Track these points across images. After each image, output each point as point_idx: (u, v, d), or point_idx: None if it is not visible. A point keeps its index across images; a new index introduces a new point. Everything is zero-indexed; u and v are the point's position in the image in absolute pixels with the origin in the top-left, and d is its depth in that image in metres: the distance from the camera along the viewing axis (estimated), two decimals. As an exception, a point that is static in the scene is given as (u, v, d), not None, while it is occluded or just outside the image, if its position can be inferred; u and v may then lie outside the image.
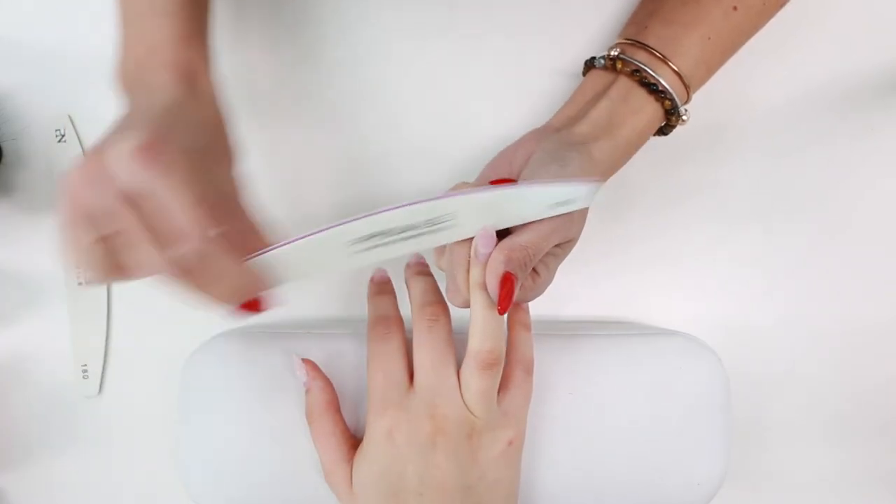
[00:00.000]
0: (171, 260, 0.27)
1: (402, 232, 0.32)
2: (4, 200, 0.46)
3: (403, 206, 0.31)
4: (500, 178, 0.37)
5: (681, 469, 0.40)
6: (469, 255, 0.34)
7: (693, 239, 0.46)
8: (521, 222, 0.33)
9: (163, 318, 0.46)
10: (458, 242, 0.34)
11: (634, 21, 0.40)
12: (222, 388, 0.40)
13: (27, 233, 0.46)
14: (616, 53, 0.38)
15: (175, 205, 0.27)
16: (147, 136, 0.27)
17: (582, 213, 0.36)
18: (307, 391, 0.38)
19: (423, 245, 0.33)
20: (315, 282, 0.46)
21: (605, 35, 0.44)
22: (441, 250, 0.36)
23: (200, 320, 0.44)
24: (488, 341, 0.34)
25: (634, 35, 0.38)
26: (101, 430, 0.46)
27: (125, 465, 0.46)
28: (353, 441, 0.37)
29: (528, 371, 0.37)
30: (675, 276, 0.46)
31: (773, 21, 0.40)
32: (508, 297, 0.32)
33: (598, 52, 0.40)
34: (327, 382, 0.38)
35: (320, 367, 0.39)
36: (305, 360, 0.39)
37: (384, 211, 0.31)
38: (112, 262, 0.28)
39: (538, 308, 0.43)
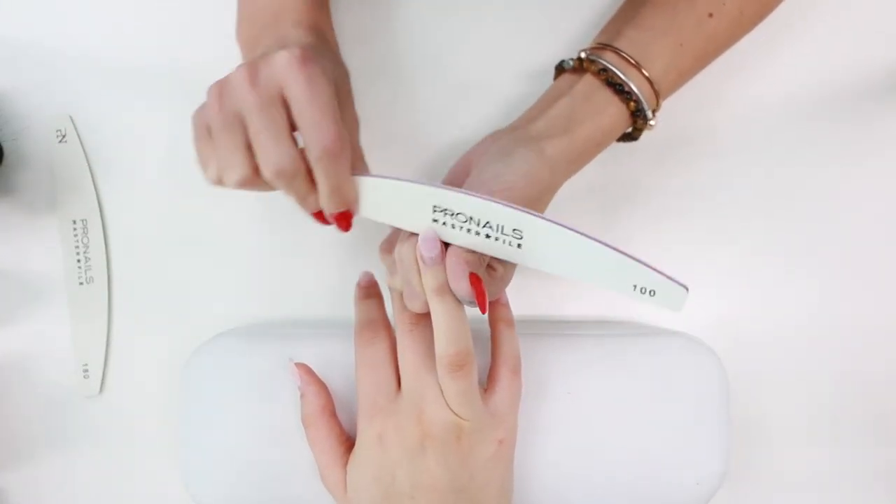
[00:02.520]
0: (294, 157, 0.30)
1: (483, 226, 0.32)
2: (5, 200, 0.46)
3: (501, 203, 0.31)
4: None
5: (680, 468, 0.40)
6: (413, 261, 0.33)
7: (692, 239, 0.46)
8: (582, 280, 0.32)
9: (163, 318, 0.46)
10: (406, 247, 0.33)
11: (609, 28, 0.40)
12: (222, 388, 0.40)
13: (27, 233, 0.46)
14: (585, 55, 0.37)
15: (319, 102, 0.29)
16: (301, 51, 0.30)
17: (539, 208, 0.35)
18: (302, 396, 0.38)
19: (490, 249, 0.32)
20: (315, 282, 0.46)
21: (584, 41, 0.43)
22: (393, 270, 0.36)
23: (201, 320, 0.45)
24: (453, 344, 0.33)
25: (607, 40, 0.38)
26: (101, 430, 0.46)
27: (125, 464, 0.46)
28: (349, 444, 0.37)
29: (515, 369, 0.37)
30: (675, 275, 0.46)
31: (773, 20, 0.40)
32: (483, 295, 0.32)
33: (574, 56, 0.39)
34: (321, 387, 0.38)
35: (319, 367, 0.39)
36: (299, 365, 0.39)
37: (482, 198, 0.31)
38: (249, 161, 0.30)
39: (537, 307, 0.44)
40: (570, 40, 0.44)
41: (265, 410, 0.39)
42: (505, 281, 0.36)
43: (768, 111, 0.45)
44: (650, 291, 0.32)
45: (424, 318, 0.35)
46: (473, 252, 0.32)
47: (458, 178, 0.38)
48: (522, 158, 0.35)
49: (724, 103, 0.45)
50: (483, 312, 0.32)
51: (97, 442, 0.46)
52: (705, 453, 0.40)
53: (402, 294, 0.36)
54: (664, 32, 0.37)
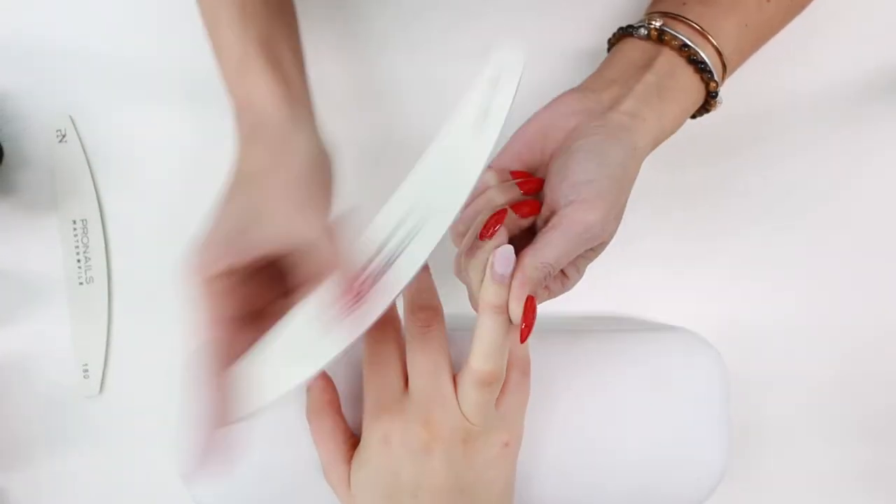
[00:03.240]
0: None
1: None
2: (4, 200, 0.45)
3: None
4: (526, 167, 0.35)
5: (681, 464, 0.40)
6: (483, 266, 0.32)
7: (695, 236, 0.46)
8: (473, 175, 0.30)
9: (164, 318, 0.46)
10: (472, 252, 0.32)
11: None
12: (223, 388, 0.40)
13: (27, 233, 0.46)
14: (660, 24, 0.35)
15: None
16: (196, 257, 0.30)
17: (616, 214, 0.33)
18: (308, 390, 0.38)
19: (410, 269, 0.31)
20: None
21: (616, 19, 0.43)
22: (459, 261, 0.34)
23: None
24: (491, 362, 0.33)
25: (672, 10, 0.36)
26: (101, 429, 0.46)
27: (126, 464, 0.46)
28: (353, 440, 0.37)
29: (525, 372, 0.37)
30: (677, 272, 0.46)
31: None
32: (531, 324, 0.31)
33: (605, 35, 0.38)
34: (328, 381, 0.38)
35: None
36: None
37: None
38: None
39: (538, 304, 0.43)
40: (596, 23, 0.43)
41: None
42: (572, 286, 0.35)
43: (771, 110, 0.45)
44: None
45: (436, 320, 0.35)
46: (547, 266, 0.31)
47: (532, 142, 0.35)
48: (615, 161, 0.33)
49: (726, 102, 0.45)
50: (522, 341, 0.31)
51: (97, 442, 0.46)
52: (706, 450, 0.40)
53: (415, 290, 0.36)
54: (730, 11, 0.36)
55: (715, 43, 0.35)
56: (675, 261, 0.46)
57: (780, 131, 0.45)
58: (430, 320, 0.35)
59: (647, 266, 0.46)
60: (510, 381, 0.36)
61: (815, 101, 0.45)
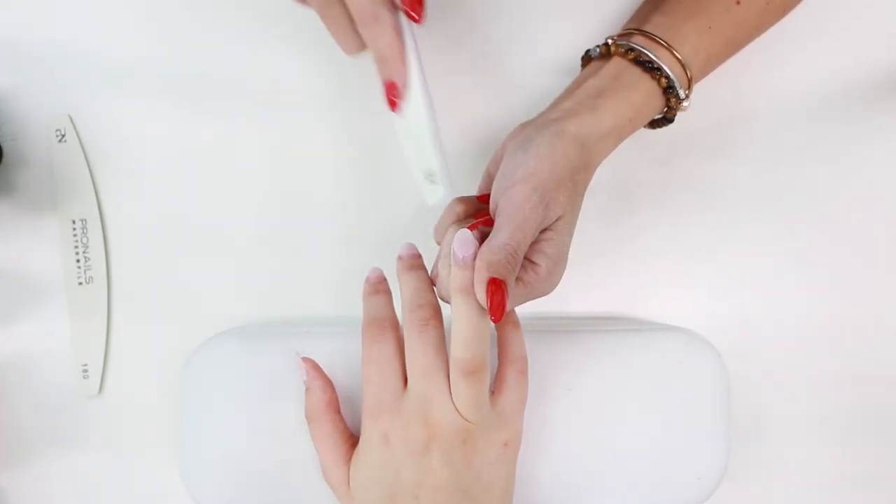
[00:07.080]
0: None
1: None
2: (4, 200, 0.45)
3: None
4: (488, 187, 0.37)
5: (681, 464, 0.40)
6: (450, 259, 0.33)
7: (694, 235, 0.46)
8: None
9: (163, 318, 0.46)
10: (448, 237, 0.34)
11: (636, 16, 0.41)
12: (222, 388, 0.40)
13: (27, 233, 0.46)
14: (612, 41, 0.38)
15: None
16: None
17: (556, 186, 0.34)
18: (307, 390, 0.38)
19: None
20: (315, 281, 0.46)
21: (609, 32, 0.43)
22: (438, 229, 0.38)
23: (201, 320, 0.45)
24: (469, 348, 0.33)
25: (634, 25, 0.38)
26: (101, 430, 0.46)
27: (125, 464, 0.46)
28: (353, 441, 0.37)
29: (522, 370, 0.37)
30: (676, 272, 0.46)
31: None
32: (500, 305, 0.31)
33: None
34: (327, 382, 0.38)
35: (321, 365, 0.39)
36: (306, 359, 0.38)
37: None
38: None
39: (538, 304, 0.44)
40: (599, 31, 0.44)
41: (265, 410, 0.39)
42: (553, 277, 0.35)
43: (771, 110, 0.45)
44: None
45: (434, 318, 0.35)
46: (505, 247, 0.32)
47: (496, 162, 0.38)
48: (541, 142, 0.34)
49: (727, 102, 0.45)
50: (495, 322, 0.32)
51: (97, 442, 0.46)
52: (706, 449, 0.40)
53: (413, 289, 0.36)
54: (691, 15, 0.38)
55: (671, 47, 0.37)
56: (674, 260, 0.46)
57: (780, 131, 0.45)
58: (427, 318, 0.35)
59: (647, 265, 0.46)
60: (507, 378, 0.36)
61: (816, 100, 0.45)
